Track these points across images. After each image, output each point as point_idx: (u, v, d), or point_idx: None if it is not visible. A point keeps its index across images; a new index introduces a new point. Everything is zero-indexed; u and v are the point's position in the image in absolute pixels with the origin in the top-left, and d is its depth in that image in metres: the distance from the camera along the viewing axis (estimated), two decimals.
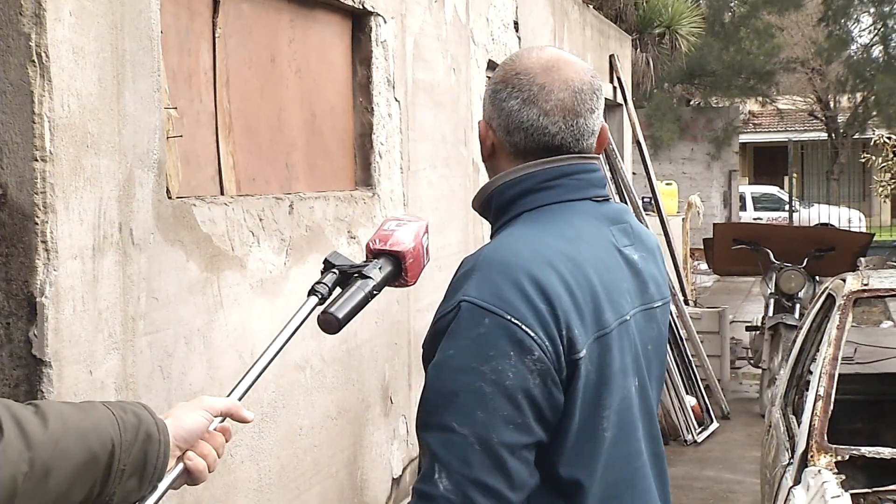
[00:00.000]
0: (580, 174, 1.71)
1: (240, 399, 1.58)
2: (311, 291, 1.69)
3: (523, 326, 1.52)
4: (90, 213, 2.32)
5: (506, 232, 1.67)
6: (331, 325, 1.64)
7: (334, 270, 1.72)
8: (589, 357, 1.58)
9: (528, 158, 1.70)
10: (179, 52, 2.87)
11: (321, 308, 1.67)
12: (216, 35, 3.06)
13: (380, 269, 1.70)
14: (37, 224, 2.18)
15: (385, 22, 4.08)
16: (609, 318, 1.63)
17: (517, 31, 6.06)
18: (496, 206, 1.72)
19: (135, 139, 2.48)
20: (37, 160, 2.18)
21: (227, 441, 1.55)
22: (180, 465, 1.46)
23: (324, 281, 1.70)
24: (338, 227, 3.66)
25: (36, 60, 2.17)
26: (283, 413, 3.25)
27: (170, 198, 2.68)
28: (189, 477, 1.48)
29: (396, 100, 4.22)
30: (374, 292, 1.69)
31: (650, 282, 1.76)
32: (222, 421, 1.54)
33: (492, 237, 1.74)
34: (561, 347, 1.55)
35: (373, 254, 1.73)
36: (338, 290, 1.69)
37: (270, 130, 3.41)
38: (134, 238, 2.48)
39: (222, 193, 3.07)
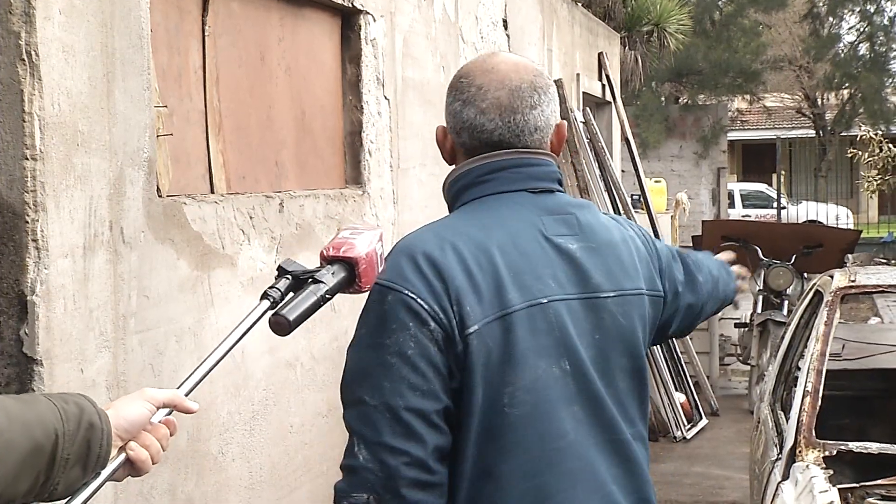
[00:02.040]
0: (518, 168, 1.80)
1: (187, 395, 1.60)
2: (264, 295, 1.76)
3: (418, 299, 1.65)
4: (81, 212, 2.32)
5: (431, 222, 1.80)
6: (282, 326, 1.71)
7: (288, 276, 1.78)
8: (488, 334, 1.68)
9: (475, 156, 1.81)
10: (169, 51, 2.87)
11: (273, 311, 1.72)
12: (206, 33, 3.06)
13: (332, 274, 1.77)
14: (27, 223, 2.18)
15: (374, 20, 4.08)
16: (513, 298, 1.71)
17: (506, 28, 6.06)
18: (447, 201, 1.86)
19: (125, 138, 2.48)
20: (27, 159, 2.18)
21: (172, 434, 1.56)
22: (122, 455, 1.48)
23: (277, 286, 1.76)
24: (328, 225, 3.66)
25: (26, 59, 2.17)
26: (273, 411, 3.25)
27: (160, 196, 2.68)
28: (132, 468, 1.50)
29: (386, 98, 4.22)
30: (327, 296, 1.76)
31: (594, 272, 1.80)
32: (169, 413, 1.56)
33: None
34: (454, 321, 1.66)
35: (327, 260, 1.80)
36: (291, 294, 1.75)
37: (260, 129, 3.41)
38: (125, 236, 2.48)
39: (212, 192, 3.07)
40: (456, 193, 1.82)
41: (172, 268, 2.70)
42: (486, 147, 1.80)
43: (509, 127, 1.79)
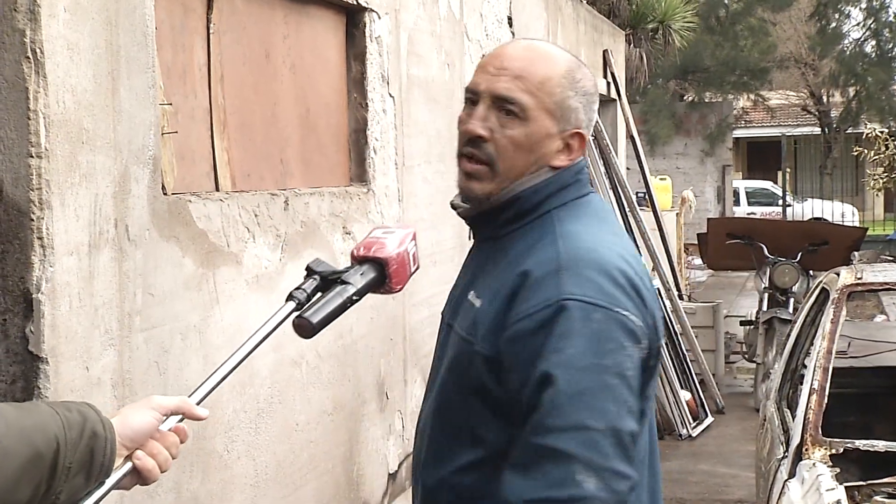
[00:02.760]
0: (585, 169, 1.80)
1: (201, 401, 1.56)
2: (290, 297, 1.70)
3: (630, 316, 1.59)
4: (86, 210, 2.32)
5: (560, 230, 1.68)
6: (305, 329, 1.66)
7: (315, 276, 1.73)
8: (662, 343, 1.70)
9: None
10: (174, 49, 2.87)
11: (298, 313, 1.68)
12: (210, 31, 3.06)
13: (361, 274, 1.71)
14: (32, 220, 2.18)
15: (379, 17, 4.08)
16: (656, 305, 1.72)
17: (511, 26, 6.06)
18: (523, 207, 1.72)
19: (130, 135, 2.48)
20: (32, 156, 2.18)
21: (182, 441, 1.53)
22: (128, 464, 1.45)
23: (303, 287, 1.71)
24: (333, 223, 3.66)
25: (31, 57, 2.17)
26: (279, 409, 3.25)
27: (165, 194, 2.68)
28: (139, 476, 1.48)
29: (391, 95, 4.22)
30: (355, 298, 1.70)
31: None
32: (180, 420, 1.53)
33: (491, 239, 1.75)
34: (653, 336, 1.64)
35: (357, 260, 1.75)
36: (318, 295, 1.70)
37: (265, 126, 3.41)
38: (130, 234, 2.48)
39: (217, 189, 3.07)
40: (546, 196, 1.72)
41: (177, 265, 2.69)
42: None
43: None
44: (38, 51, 2.18)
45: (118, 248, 2.44)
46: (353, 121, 4.02)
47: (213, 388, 1.58)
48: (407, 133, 4.38)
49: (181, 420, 1.53)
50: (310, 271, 1.74)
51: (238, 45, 3.23)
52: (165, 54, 2.79)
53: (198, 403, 1.56)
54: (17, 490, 1.33)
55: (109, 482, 1.43)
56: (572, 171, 1.74)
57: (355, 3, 3.86)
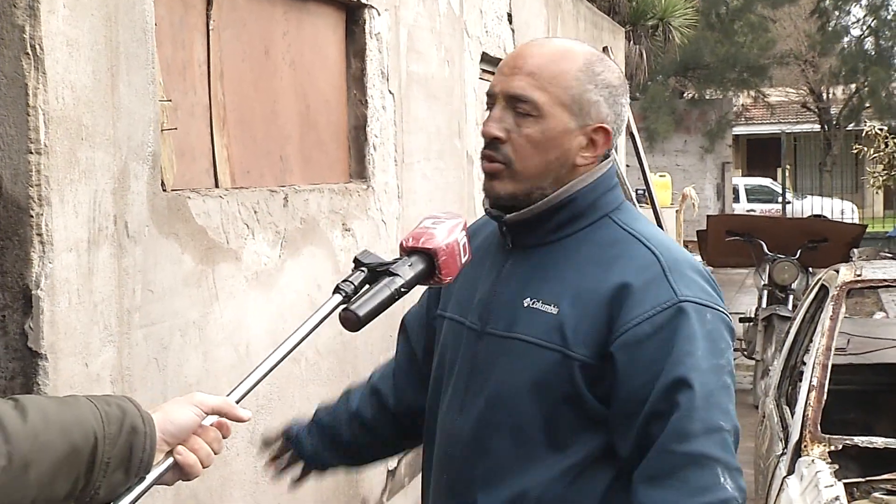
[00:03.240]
0: (615, 173, 1.81)
1: (242, 398, 1.54)
2: (336, 289, 1.64)
3: (728, 316, 1.65)
4: (85, 206, 2.32)
5: (639, 232, 1.68)
6: (351, 322, 1.61)
7: (363, 269, 1.67)
8: None
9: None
10: (173, 45, 2.86)
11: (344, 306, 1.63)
12: (210, 27, 3.05)
13: (410, 266, 1.66)
14: (32, 216, 2.18)
15: (379, 14, 4.07)
16: None
17: (511, 23, 6.05)
18: (580, 208, 1.71)
19: (129, 132, 2.48)
20: (31, 153, 2.18)
21: (225, 436, 1.51)
22: (169, 460, 1.43)
23: (350, 279, 1.65)
24: (332, 220, 3.66)
25: (30, 53, 2.17)
26: (278, 405, 3.25)
27: (164, 190, 2.68)
28: (181, 472, 1.46)
29: (390, 92, 4.22)
30: (403, 290, 1.65)
31: None
32: (220, 417, 1.51)
33: (542, 245, 1.71)
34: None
35: (406, 252, 1.70)
36: (366, 287, 1.65)
37: (265, 123, 3.41)
38: (129, 230, 2.48)
39: (217, 186, 3.07)
40: (598, 198, 1.72)
41: (177, 262, 2.69)
42: None
43: None
44: (37, 47, 2.17)
45: (117, 245, 2.43)
46: (353, 117, 4.02)
47: (257, 384, 1.54)
48: (406, 130, 4.38)
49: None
50: (357, 263, 1.68)
51: (238, 42, 3.23)
52: (165, 51, 2.79)
53: (239, 400, 1.52)
54: (55, 485, 1.32)
55: (149, 478, 1.41)
56: (612, 172, 1.74)
57: None
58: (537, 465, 1.65)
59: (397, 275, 1.64)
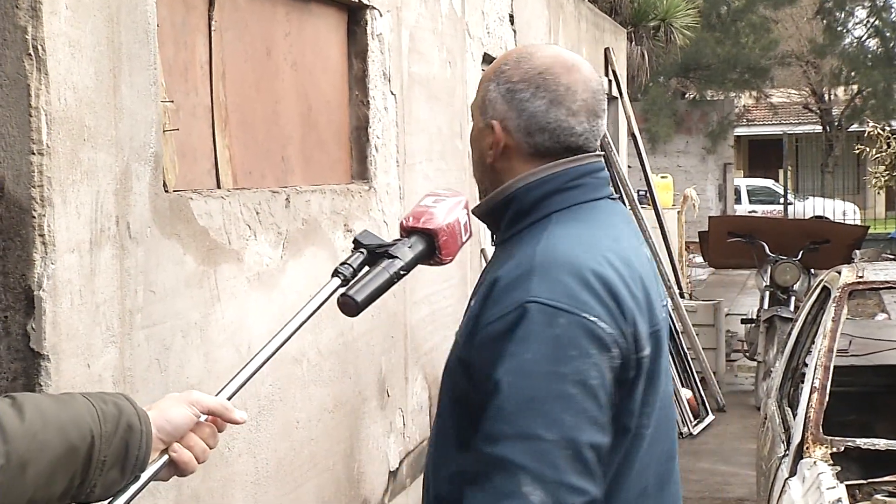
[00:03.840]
0: (598, 173, 1.72)
1: (238, 389, 1.54)
2: (335, 272, 1.63)
3: (600, 323, 1.51)
4: (87, 207, 2.32)
5: (545, 232, 1.63)
6: (349, 307, 1.59)
7: (362, 250, 1.65)
8: (648, 354, 1.59)
9: (547, 160, 1.67)
10: (175, 46, 2.87)
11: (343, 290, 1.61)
12: (212, 28, 3.06)
13: (410, 247, 1.64)
14: (34, 217, 2.18)
15: (381, 15, 4.08)
16: (657, 313, 1.64)
17: (512, 24, 6.05)
18: (517, 209, 1.68)
19: (131, 132, 2.48)
20: (34, 153, 2.18)
21: (220, 430, 1.52)
22: (165, 457, 1.43)
23: (349, 262, 1.63)
24: (334, 221, 3.66)
25: (32, 54, 2.17)
26: (279, 406, 3.25)
27: (166, 191, 2.68)
28: (176, 469, 1.46)
29: (392, 93, 4.22)
30: (402, 272, 1.63)
31: (658, 281, 1.79)
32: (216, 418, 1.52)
33: (501, 242, 1.71)
34: (631, 345, 1.55)
35: (406, 231, 1.67)
36: (365, 269, 1.63)
37: (266, 124, 3.41)
38: (131, 231, 2.48)
39: (219, 187, 3.07)
40: (538, 199, 1.66)
41: (179, 263, 2.70)
42: (566, 151, 1.68)
43: (593, 131, 1.69)
44: (39, 48, 2.18)
45: (119, 246, 2.44)
46: (355, 118, 4.02)
47: (251, 377, 1.54)
48: (408, 131, 4.38)
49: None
50: (357, 244, 1.66)
51: (240, 43, 3.23)
52: (167, 51, 2.79)
53: (240, 388, 1.54)
54: (52, 483, 1.32)
55: (145, 476, 1.40)
56: (572, 173, 1.68)
57: (357, 0, 3.86)
58: (447, 462, 1.65)
59: (397, 257, 1.62)
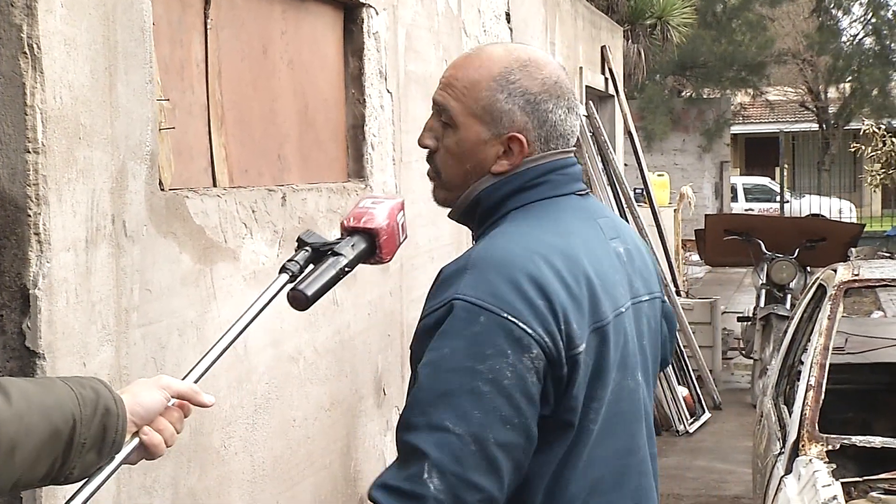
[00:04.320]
0: (565, 168, 1.72)
1: (199, 378, 1.58)
2: (283, 269, 1.70)
3: (520, 324, 1.51)
4: (83, 205, 2.32)
5: (496, 230, 1.65)
6: (300, 301, 1.66)
7: (307, 248, 1.72)
8: (587, 350, 1.58)
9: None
10: (171, 44, 2.86)
11: (292, 285, 1.68)
12: (208, 26, 3.05)
13: (352, 246, 1.71)
14: (29, 216, 2.18)
15: (377, 13, 4.07)
16: (606, 309, 1.63)
17: (509, 22, 6.05)
18: (484, 209, 1.70)
19: (127, 131, 2.48)
20: (29, 152, 2.17)
21: (186, 416, 1.56)
22: (136, 440, 1.49)
23: (295, 259, 1.70)
24: (330, 219, 3.66)
25: (28, 52, 2.17)
26: (276, 405, 3.25)
27: (162, 190, 2.68)
28: (146, 451, 1.51)
29: (388, 91, 4.22)
30: (347, 269, 1.69)
31: (636, 276, 1.77)
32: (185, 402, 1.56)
33: (476, 240, 1.72)
34: (561, 343, 1.54)
35: (347, 231, 1.74)
36: (311, 267, 1.70)
37: (263, 122, 3.41)
38: (127, 230, 2.48)
39: (215, 185, 3.07)
40: (500, 199, 1.68)
41: (175, 261, 2.69)
42: (567, 150, 1.73)
43: (573, 130, 1.73)
44: (35, 46, 2.17)
45: (115, 244, 2.43)
46: (351, 117, 4.02)
47: (210, 367, 1.61)
48: (405, 129, 4.38)
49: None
50: (301, 242, 1.73)
51: (236, 41, 3.23)
52: (163, 50, 2.78)
53: (197, 380, 1.58)
54: (36, 466, 1.37)
55: (119, 457, 1.46)
56: (536, 171, 1.68)
57: None
58: None
59: (341, 254, 1.69)
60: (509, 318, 1.51)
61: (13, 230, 2.19)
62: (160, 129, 2.70)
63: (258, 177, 3.35)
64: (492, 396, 1.49)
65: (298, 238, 1.74)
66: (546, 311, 1.54)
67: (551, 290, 1.55)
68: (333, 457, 3.69)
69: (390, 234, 1.74)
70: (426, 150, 1.74)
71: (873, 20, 23.94)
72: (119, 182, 2.45)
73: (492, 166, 1.68)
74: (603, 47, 9.20)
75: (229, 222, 2.99)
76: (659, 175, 14.45)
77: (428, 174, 1.77)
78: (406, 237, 1.79)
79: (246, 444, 3.06)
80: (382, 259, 1.75)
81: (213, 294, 2.89)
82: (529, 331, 1.52)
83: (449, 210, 1.79)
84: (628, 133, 9.35)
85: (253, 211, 3.13)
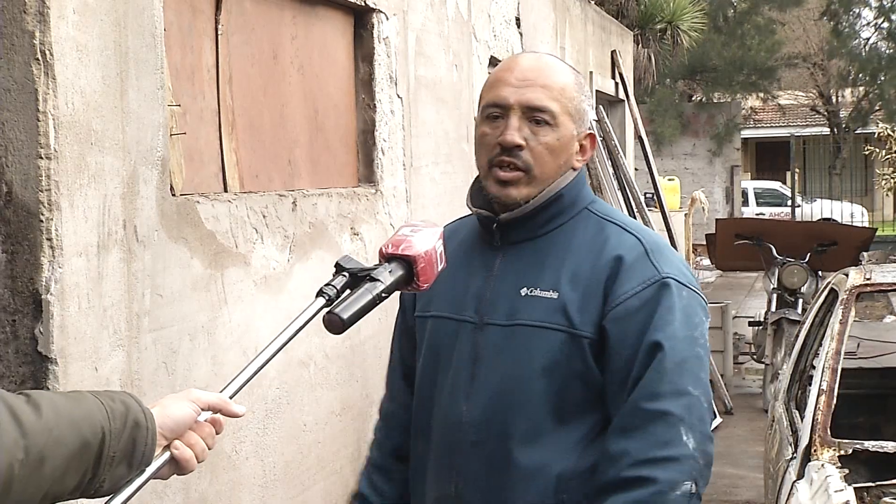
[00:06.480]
0: None
1: (233, 396, 1.59)
2: (320, 293, 1.71)
3: (702, 296, 1.84)
4: (95, 211, 2.33)
5: (616, 220, 1.88)
6: (335, 325, 1.67)
7: (344, 273, 1.74)
8: None
9: None
10: (182, 50, 2.87)
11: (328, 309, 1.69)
12: (219, 32, 3.06)
13: (390, 272, 1.73)
14: (42, 221, 2.19)
15: (387, 18, 4.08)
16: None
17: (519, 27, 6.06)
18: (566, 202, 1.87)
19: (139, 136, 2.49)
20: (41, 158, 2.19)
21: (218, 432, 1.56)
22: (167, 454, 1.48)
23: (333, 283, 1.72)
24: (341, 224, 3.66)
25: (40, 58, 2.18)
26: (287, 409, 3.26)
27: (174, 195, 2.69)
28: (177, 466, 1.51)
29: (399, 96, 4.22)
30: (383, 295, 1.71)
31: None
32: (216, 413, 1.56)
33: (531, 239, 1.86)
34: None
35: (385, 258, 1.76)
36: (347, 291, 1.72)
37: (273, 127, 3.42)
38: (138, 235, 2.49)
39: (226, 190, 3.07)
40: (577, 195, 1.90)
41: (186, 266, 2.70)
42: None
43: None
44: (47, 52, 2.18)
45: (127, 249, 2.44)
46: (362, 122, 4.03)
47: (245, 383, 1.60)
48: (415, 134, 4.38)
49: (217, 412, 1.56)
50: (339, 268, 1.75)
51: (246, 47, 3.24)
52: (174, 55, 2.79)
53: (232, 396, 1.58)
54: (65, 478, 1.36)
55: (149, 471, 1.46)
56: (584, 170, 1.93)
57: (363, 4, 3.87)
58: (546, 440, 1.79)
59: (378, 280, 1.71)
60: (698, 291, 1.83)
61: (25, 235, 2.20)
62: (171, 135, 2.71)
63: (269, 182, 3.35)
64: (705, 359, 1.79)
65: (336, 263, 1.76)
66: None
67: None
68: (344, 461, 3.69)
69: (428, 262, 1.76)
70: (513, 147, 1.83)
71: (885, 24, 23.85)
72: (130, 187, 2.45)
73: (573, 161, 1.89)
74: (613, 52, 9.20)
75: (240, 227, 2.99)
76: (669, 179, 14.44)
77: (507, 172, 1.84)
78: (445, 265, 1.80)
79: (257, 449, 3.06)
80: (420, 287, 1.76)
81: (223, 299, 2.89)
82: (705, 303, 1.85)
83: (485, 214, 1.90)
84: (639, 137, 9.33)
85: (264, 216, 3.13)
